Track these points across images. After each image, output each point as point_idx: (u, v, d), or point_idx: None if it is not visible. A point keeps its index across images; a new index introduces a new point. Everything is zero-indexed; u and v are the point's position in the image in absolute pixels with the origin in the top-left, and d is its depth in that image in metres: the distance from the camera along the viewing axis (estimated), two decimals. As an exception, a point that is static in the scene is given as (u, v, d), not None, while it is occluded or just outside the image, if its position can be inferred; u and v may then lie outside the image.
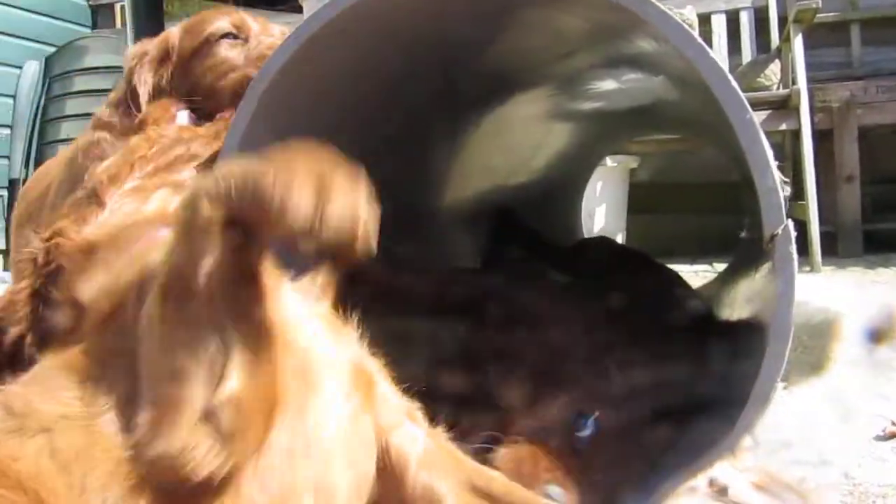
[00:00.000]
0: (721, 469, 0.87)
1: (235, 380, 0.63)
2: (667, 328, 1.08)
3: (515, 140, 1.66)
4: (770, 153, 0.68)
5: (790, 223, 0.67)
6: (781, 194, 0.67)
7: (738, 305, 1.52)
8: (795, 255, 0.66)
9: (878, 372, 1.61)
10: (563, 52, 1.27)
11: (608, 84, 1.48)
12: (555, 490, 0.90)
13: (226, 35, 1.39)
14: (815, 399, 1.47)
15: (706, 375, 1.01)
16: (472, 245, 1.42)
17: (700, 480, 0.87)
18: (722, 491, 0.84)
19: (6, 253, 5.25)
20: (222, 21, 1.40)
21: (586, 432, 0.98)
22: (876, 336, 1.76)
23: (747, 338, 0.93)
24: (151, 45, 1.42)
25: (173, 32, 1.45)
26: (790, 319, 0.68)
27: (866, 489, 1.02)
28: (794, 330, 1.57)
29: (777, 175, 0.68)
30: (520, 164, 1.82)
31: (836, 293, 2.77)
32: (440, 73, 1.13)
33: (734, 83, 0.69)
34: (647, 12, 0.75)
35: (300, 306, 0.81)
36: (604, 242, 2.07)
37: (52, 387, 0.70)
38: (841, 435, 1.27)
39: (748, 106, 0.68)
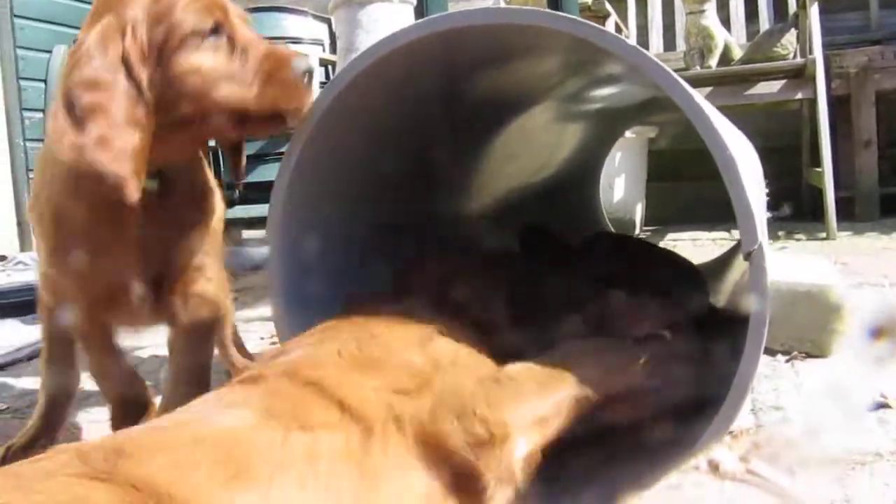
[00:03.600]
0: (719, 449, 0.99)
1: None
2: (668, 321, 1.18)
3: (537, 141, 1.76)
4: (746, 181, 0.79)
5: (764, 242, 0.78)
6: (756, 218, 0.77)
7: (727, 293, 1.63)
8: (769, 272, 0.76)
9: (879, 350, 1.71)
10: (557, 81, 1.39)
11: (607, 91, 1.59)
12: None
13: (210, 32, 1.00)
14: (816, 375, 1.58)
15: (704, 367, 1.12)
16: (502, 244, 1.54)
17: (701, 460, 0.99)
18: (715, 467, 0.97)
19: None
20: (198, 12, 1.01)
21: None
22: (876, 333, 1.84)
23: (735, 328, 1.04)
24: (110, 28, 0.98)
25: (131, 15, 0.99)
26: (763, 334, 0.78)
27: (848, 458, 1.14)
28: (801, 305, 1.68)
29: (752, 199, 0.78)
30: (544, 160, 1.92)
31: (850, 261, 2.86)
32: (459, 106, 1.24)
33: (711, 118, 0.79)
34: (618, 47, 0.84)
35: None
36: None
37: None
38: (836, 408, 1.39)
39: (727, 143, 0.78)
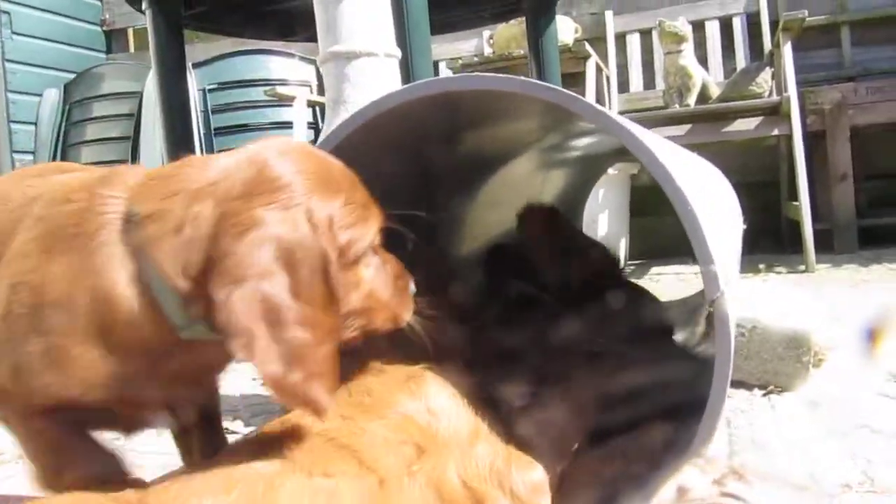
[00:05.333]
0: (689, 473, 1.03)
1: None
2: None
3: (522, 188, 1.84)
4: (708, 233, 0.85)
5: (729, 289, 0.84)
6: (718, 266, 0.83)
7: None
8: (732, 318, 0.82)
9: (853, 383, 1.77)
10: (534, 138, 1.46)
11: (585, 141, 1.66)
12: None
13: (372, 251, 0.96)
14: (791, 407, 1.63)
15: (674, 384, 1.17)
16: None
17: (670, 487, 1.03)
18: (684, 492, 1.01)
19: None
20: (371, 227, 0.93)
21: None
22: (872, 336, 1.90)
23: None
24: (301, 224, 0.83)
25: (326, 212, 0.84)
26: (726, 382, 0.83)
27: (822, 488, 1.19)
28: (775, 340, 1.74)
29: (713, 250, 0.84)
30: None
31: (827, 294, 2.93)
32: (443, 158, 1.32)
33: (672, 173, 0.85)
34: (579, 108, 0.91)
35: None
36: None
37: None
38: (808, 440, 1.44)
39: (689, 198, 0.84)
